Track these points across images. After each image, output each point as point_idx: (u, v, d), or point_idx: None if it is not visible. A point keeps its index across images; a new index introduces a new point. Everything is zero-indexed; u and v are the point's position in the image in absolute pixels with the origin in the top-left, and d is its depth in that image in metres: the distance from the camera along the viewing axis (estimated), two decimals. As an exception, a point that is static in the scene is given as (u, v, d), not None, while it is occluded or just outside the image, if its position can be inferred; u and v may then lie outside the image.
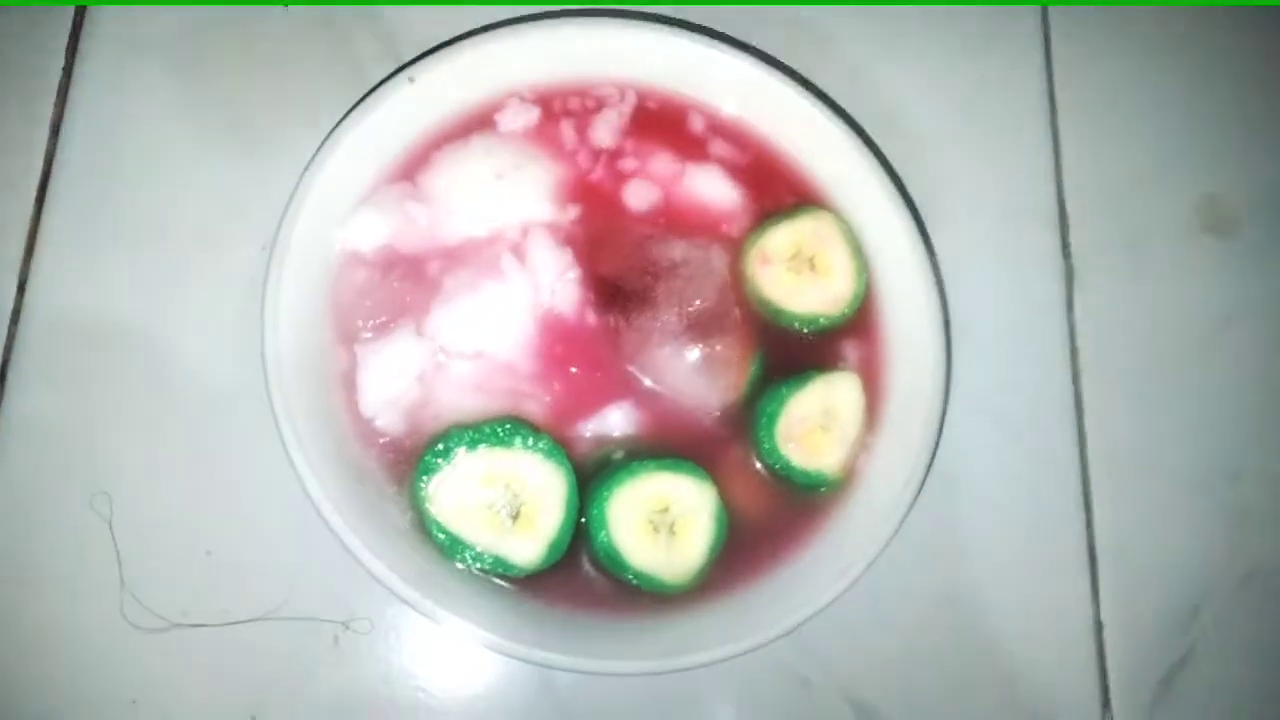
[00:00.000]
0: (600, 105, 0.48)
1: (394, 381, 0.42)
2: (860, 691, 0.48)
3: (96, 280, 0.49)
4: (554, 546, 0.41)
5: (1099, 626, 0.51)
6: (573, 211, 0.46)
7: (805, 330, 0.47)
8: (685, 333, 0.43)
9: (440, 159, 0.46)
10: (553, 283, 0.44)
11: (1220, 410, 0.55)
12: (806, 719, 0.48)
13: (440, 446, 0.41)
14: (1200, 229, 0.58)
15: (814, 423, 0.44)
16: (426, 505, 0.41)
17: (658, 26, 0.48)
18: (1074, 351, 0.55)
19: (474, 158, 0.46)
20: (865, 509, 0.44)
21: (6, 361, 0.48)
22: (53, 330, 0.48)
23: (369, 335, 0.43)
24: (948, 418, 0.46)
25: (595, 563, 0.43)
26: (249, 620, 0.46)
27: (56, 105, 0.51)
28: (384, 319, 0.43)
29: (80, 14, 0.52)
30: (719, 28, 0.52)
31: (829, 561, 0.42)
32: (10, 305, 0.48)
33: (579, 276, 0.45)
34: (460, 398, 0.43)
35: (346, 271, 0.44)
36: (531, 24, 0.47)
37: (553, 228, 0.46)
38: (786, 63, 0.51)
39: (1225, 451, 0.54)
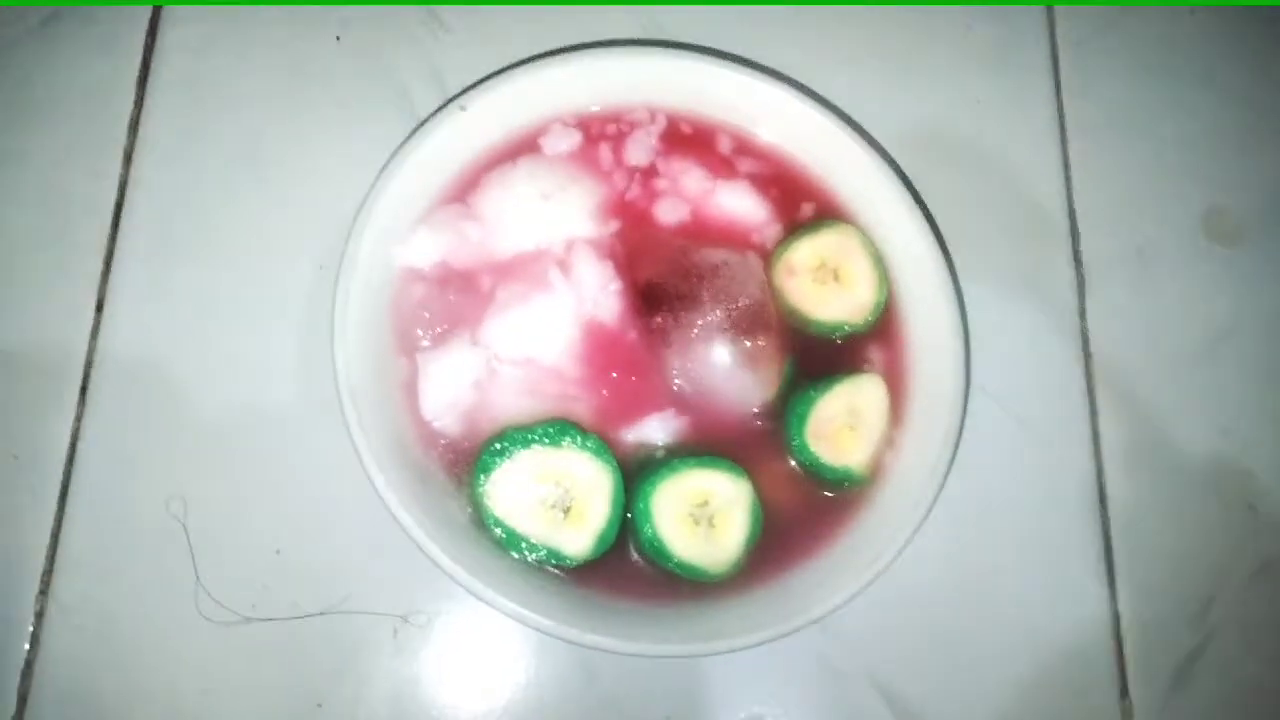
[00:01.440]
0: (633, 128, 0.52)
1: (452, 387, 0.46)
2: (888, 679, 0.51)
3: (169, 299, 0.52)
4: (602, 538, 0.44)
5: (1116, 617, 0.53)
6: (613, 227, 0.50)
7: (832, 336, 0.50)
8: (731, 329, 0.46)
9: (490, 181, 0.49)
10: (596, 294, 0.47)
11: (1230, 410, 0.58)
12: (838, 706, 0.51)
13: (497, 447, 0.44)
14: (1206, 238, 0.61)
15: (841, 422, 0.47)
16: (485, 502, 0.44)
17: (685, 54, 0.51)
18: (1087, 356, 0.58)
19: (521, 180, 0.49)
20: (892, 503, 0.46)
21: (87, 377, 0.51)
22: (129, 346, 0.52)
23: (428, 344, 0.46)
24: (969, 418, 0.49)
25: (641, 553, 0.46)
26: (314, 614, 0.49)
27: (129, 136, 0.55)
28: (441, 329, 0.46)
29: (148, 56, 0.56)
30: (737, 45, 0.55)
31: (858, 552, 0.45)
32: (90, 323, 0.52)
33: (620, 288, 0.48)
34: (513, 401, 0.46)
35: (406, 286, 0.47)
36: (572, 55, 0.50)
37: (595, 243, 0.49)
38: (805, 82, 0.54)
39: (1236, 449, 0.57)
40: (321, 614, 0.49)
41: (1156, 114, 0.63)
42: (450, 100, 0.49)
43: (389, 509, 0.42)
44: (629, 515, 0.45)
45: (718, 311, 0.46)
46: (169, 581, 0.48)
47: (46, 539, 0.49)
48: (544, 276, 0.47)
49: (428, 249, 0.47)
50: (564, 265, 0.48)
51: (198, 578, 0.48)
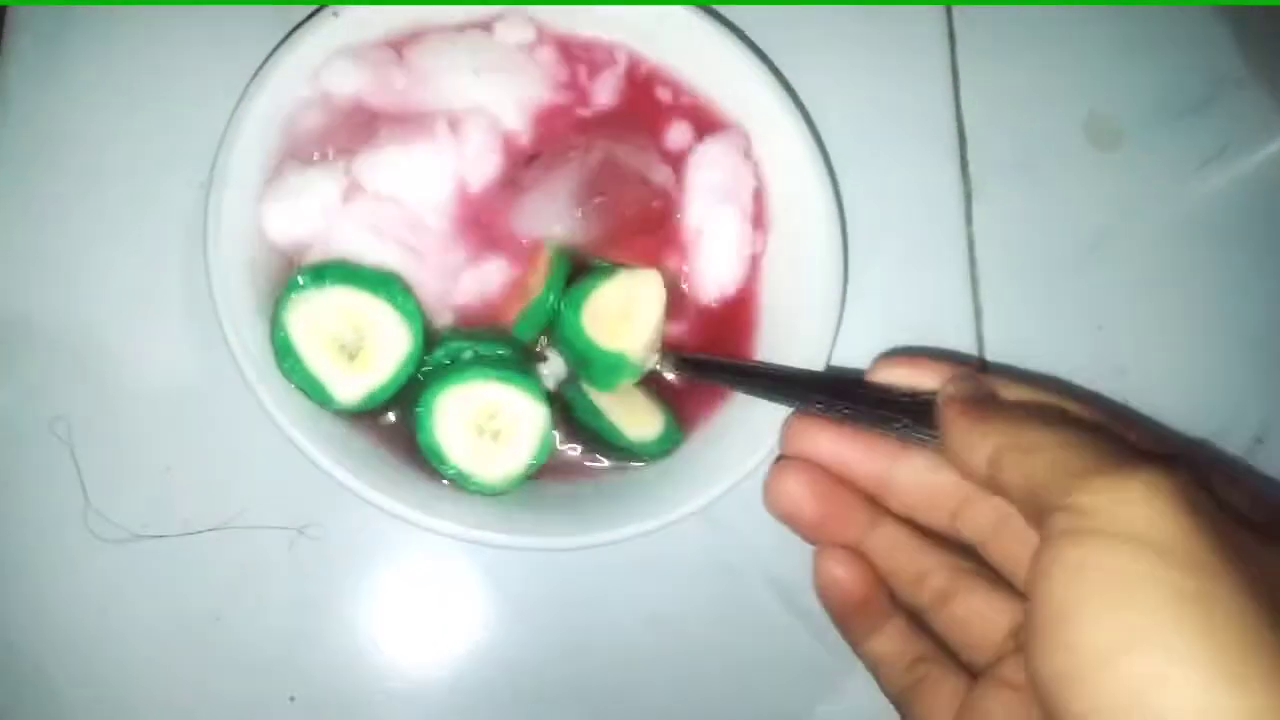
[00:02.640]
0: (599, 65, 0.52)
1: (300, 201, 0.46)
2: (780, 574, 0.53)
3: (45, 221, 0.51)
4: (372, 396, 0.44)
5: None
6: (529, 129, 0.50)
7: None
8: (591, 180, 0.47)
9: (431, 40, 0.49)
10: (476, 157, 0.48)
11: (1106, 308, 0.60)
12: (732, 600, 0.53)
13: (314, 269, 0.44)
14: (1087, 144, 0.63)
15: (616, 313, 0.47)
16: (282, 313, 0.43)
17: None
18: (973, 260, 0.59)
19: (461, 49, 0.49)
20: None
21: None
22: (4, 271, 0.51)
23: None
24: (851, 322, 0.50)
25: (420, 456, 0.45)
26: (208, 530, 0.49)
27: (-7, 55, 0.53)
28: (327, 152, 0.47)
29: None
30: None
31: (741, 435, 0.46)
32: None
33: (501, 160, 0.48)
34: (355, 233, 0.46)
35: (314, 106, 0.47)
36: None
37: (500, 127, 0.49)
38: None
39: (1112, 347, 0.59)
40: (215, 530, 0.49)
41: (1043, 22, 0.64)
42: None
43: (262, 406, 0.42)
44: (418, 412, 0.44)
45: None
46: (57, 504, 0.48)
47: (-76, 467, 0.48)
48: (432, 128, 0.47)
49: (346, 79, 0.47)
50: (455, 123, 0.48)
51: (86, 499, 0.48)
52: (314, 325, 0.44)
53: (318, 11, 0.48)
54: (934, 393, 0.38)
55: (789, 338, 0.49)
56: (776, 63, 0.54)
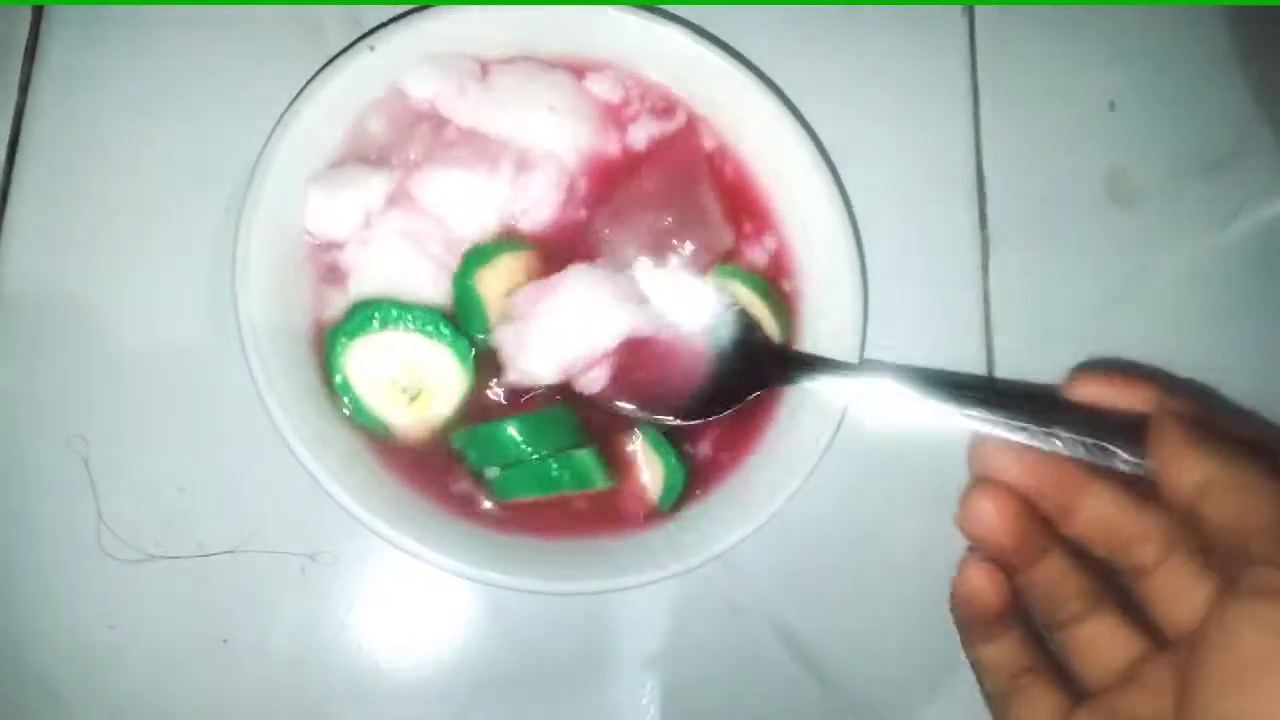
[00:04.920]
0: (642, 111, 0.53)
1: (345, 194, 0.46)
2: (785, 619, 0.53)
3: (70, 234, 0.51)
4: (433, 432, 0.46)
5: (1001, 560, 0.56)
6: (581, 175, 0.51)
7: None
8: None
9: (518, 66, 0.50)
10: (530, 200, 0.48)
11: (1122, 364, 0.60)
12: (737, 644, 0.53)
13: (365, 310, 0.45)
14: (1106, 201, 0.63)
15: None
16: (338, 358, 0.45)
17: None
18: (988, 314, 0.60)
19: (543, 83, 0.50)
20: (790, 446, 0.48)
21: (-15, 315, 0.50)
22: (28, 283, 0.51)
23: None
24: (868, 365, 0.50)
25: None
26: (220, 553, 0.49)
27: (25, 63, 0.53)
28: (388, 158, 0.48)
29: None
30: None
31: (756, 491, 0.47)
32: (-14, 261, 0.51)
33: (558, 202, 0.49)
34: (390, 239, 0.47)
35: (386, 103, 0.48)
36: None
37: (567, 173, 0.50)
38: (715, 33, 0.54)
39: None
40: (227, 552, 0.49)
41: (1066, 78, 0.64)
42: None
43: (282, 436, 0.42)
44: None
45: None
46: (71, 519, 0.48)
47: (-58, 479, 0.48)
48: (496, 160, 0.48)
49: (425, 84, 0.48)
50: (523, 164, 0.48)
51: (100, 516, 0.48)
52: (371, 370, 0.45)
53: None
54: (1142, 413, 0.37)
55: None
56: (801, 108, 0.54)
